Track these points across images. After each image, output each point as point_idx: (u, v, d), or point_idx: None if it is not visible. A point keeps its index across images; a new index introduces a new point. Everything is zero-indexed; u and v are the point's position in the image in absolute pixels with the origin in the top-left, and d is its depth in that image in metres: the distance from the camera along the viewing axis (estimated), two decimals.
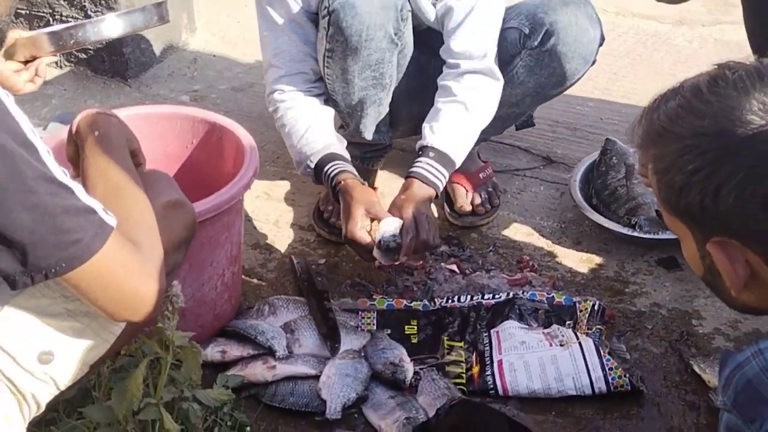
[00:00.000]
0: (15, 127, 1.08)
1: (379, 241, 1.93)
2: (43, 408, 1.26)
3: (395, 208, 1.99)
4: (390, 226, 1.94)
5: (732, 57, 3.19)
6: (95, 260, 1.12)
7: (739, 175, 1.01)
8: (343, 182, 2.00)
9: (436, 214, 2.17)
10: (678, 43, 3.15)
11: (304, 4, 2.04)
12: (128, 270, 1.16)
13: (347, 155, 2.09)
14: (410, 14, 2.05)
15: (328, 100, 2.15)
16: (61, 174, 1.12)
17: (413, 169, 2.04)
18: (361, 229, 1.94)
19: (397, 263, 1.98)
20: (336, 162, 2.04)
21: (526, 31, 2.10)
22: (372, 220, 1.95)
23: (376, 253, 1.94)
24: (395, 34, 2.01)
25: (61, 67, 2.84)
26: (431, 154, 2.04)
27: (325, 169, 2.03)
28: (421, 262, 2.11)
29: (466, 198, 2.28)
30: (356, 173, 2.06)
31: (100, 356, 1.28)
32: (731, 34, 3.09)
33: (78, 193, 1.13)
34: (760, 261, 1.04)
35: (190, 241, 1.38)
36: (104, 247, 1.13)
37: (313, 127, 2.07)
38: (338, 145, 2.09)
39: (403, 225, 1.93)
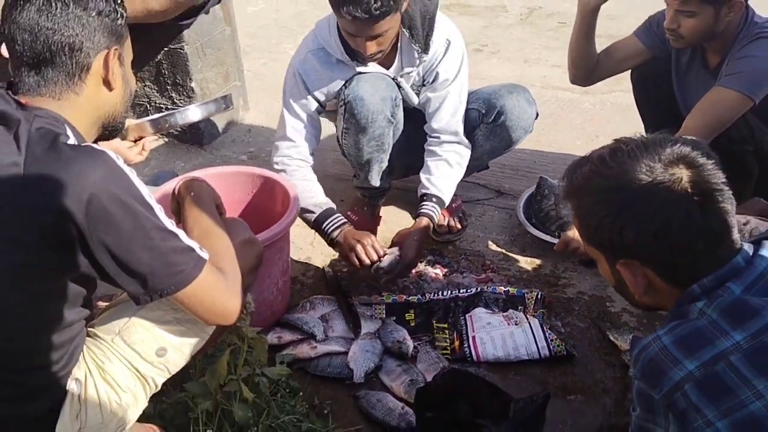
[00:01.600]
0: (137, 193, 1.08)
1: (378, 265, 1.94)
2: (159, 388, 1.27)
3: (405, 236, 1.99)
4: (389, 257, 1.95)
5: (623, 115, 3.19)
6: (195, 284, 1.13)
7: (636, 217, 1.01)
8: (344, 229, 1.98)
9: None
10: (585, 107, 3.15)
11: (324, 100, 2.04)
12: (218, 290, 1.16)
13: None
14: (401, 101, 2.05)
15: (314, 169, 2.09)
16: (170, 224, 1.12)
17: (423, 211, 2.06)
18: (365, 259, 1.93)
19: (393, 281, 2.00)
20: (338, 216, 2.02)
21: (483, 111, 2.11)
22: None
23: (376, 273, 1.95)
24: (391, 116, 2.00)
25: (157, 138, 2.81)
26: (434, 199, 2.07)
27: (328, 221, 2.00)
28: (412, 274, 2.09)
29: (443, 221, 2.27)
30: (349, 224, 2.03)
31: (198, 349, 1.28)
32: (622, 99, 3.08)
33: (182, 237, 1.13)
34: (654, 275, 1.04)
35: (259, 267, 1.37)
36: (201, 275, 1.13)
37: (314, 190, 2.05)
38: (332, 205, 2.06)
39: (400, 257, 1.94)
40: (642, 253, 1.03)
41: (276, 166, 2.09)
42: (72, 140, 1.10)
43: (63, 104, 1.13)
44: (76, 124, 1.14)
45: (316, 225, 2.03)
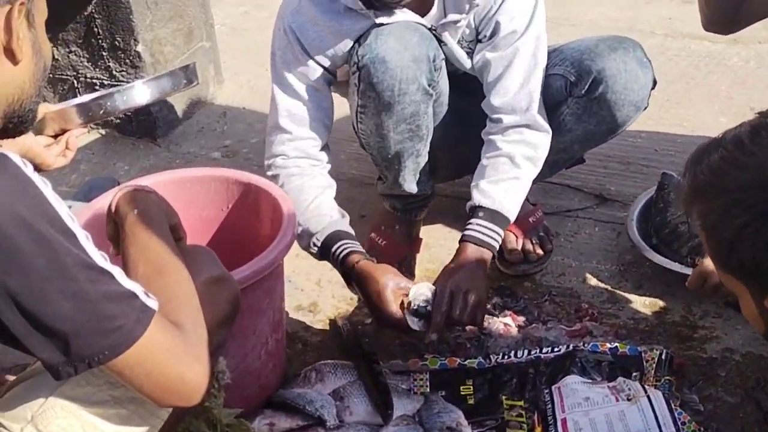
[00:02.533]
0: (53, 215, 1.11)
1: (409, 304, 1.93)
2: None
3: (444, 278, 1.99)
4: (422, 290, 1.94)
5: None
6: (138, 346, 1.14)
7: None
8: (356, 265, 1.98)
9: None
10: (734, 63, 3.14)
11: (330, 65, 2.08)
12: (172, 354, 1.18)
13: (352, 231, 2.07)
14: (444, 62, 2.07)
15: (329, 171, 2.15)
16: (101, 259, 1.15)
17: (465, 233, 2.05)
18: (398, 311, 1.93)
19: (428, 335, 1.98)
20: (344, 242, 2.02)
21: (572, 78, 2.11)
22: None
23: (408, 318, 1.93)
24: (429, 85, 2.01)
25: (88, 130, 2.87)
26: (481, 213, 2.05)
27: (333, 249, 2.02)
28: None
29: (516, 245, 2.28)
30: (364, 251, 2.05)
31: None
32: None
33: (118, 277, 1.15)
34: None
35: (235, 317, 1.39)
36: (147, 332, 1.15)
37: (317, 201, 2.06)
38: (343, 221, 2.07)
39: (435, 296, 1.93)
40: None
41: (268, 172, 2.13)
42: None
43: None
44: None
45: (323, 255, 2.06)
